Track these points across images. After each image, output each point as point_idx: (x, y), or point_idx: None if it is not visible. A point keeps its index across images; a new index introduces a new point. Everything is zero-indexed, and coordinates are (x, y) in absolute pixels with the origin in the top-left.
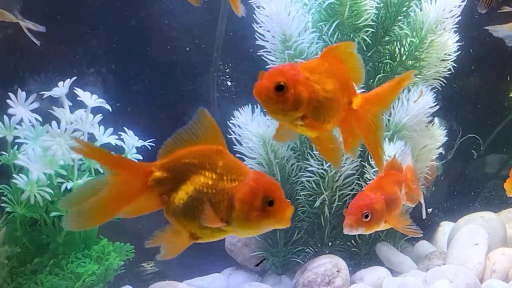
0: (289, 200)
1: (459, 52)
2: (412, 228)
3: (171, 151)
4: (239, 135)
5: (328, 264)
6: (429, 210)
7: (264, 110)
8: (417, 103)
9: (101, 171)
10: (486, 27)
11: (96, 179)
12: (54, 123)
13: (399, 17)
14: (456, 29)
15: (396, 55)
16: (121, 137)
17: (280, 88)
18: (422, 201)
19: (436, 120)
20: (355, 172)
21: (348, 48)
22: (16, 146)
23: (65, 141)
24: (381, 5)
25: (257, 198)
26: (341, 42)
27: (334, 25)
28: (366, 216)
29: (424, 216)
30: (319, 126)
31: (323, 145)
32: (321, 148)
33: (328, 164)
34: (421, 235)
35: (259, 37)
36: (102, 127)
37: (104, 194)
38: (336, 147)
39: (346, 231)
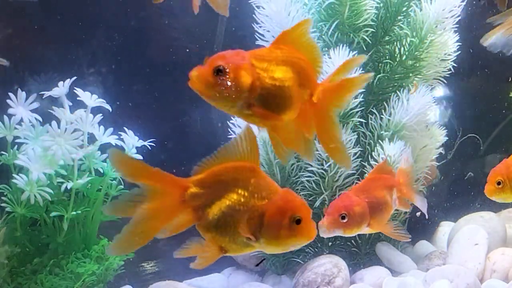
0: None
1: (459, 52)
2: (399, 232)
3: (207, 167)
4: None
5: (328, 264)
6: (418, 213)
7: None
8: (417, 103)
9: (101, 171)
10: (481, 42)
11: (133, 192)
12: (54, 123)
13: (399, 17)
14: (456, 29)
15: (396, 55)
16: (121, 137)
17: (219, 72)
18: (419, 204)
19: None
20: (355, 172)
21: (301, 31)
22: (16, 146)
23: (65, 141)
24: (381, 5)
25: (285, 217)
26: (294, 25)
27: (334, 25)
28: (343, 217)
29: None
30: (270, 116)
31: (285, 138)
32: (284, 140)
33: (328, 164)
34: (409, 239)
35: (259, 37)
36: (102, 127)
37: (143, 213)
38: (307, 138)
39: (321, 231)
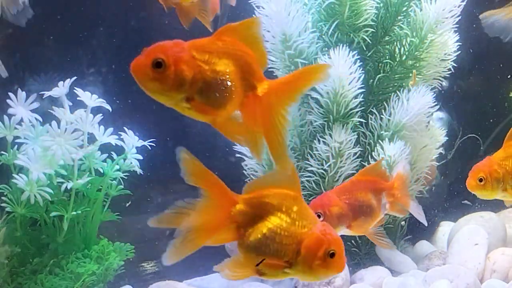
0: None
1: (459, 52)
2: (382, 240)
3: (255, 189)
4: None
5: None
6: (403, 223)
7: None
8: (417, 103)
9: (102, 171)
10: (481, 19)
11: (179, 204)
12: (54, 123)
13: (399, 17)
14: (456, 29)
15: (396, 55)
16: (121, 137)
17: (158, 65)
18: (414, 211)
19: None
20: (355, 172)
21: (247, 25)
22: (16, 146)
23: (65, 141)
24: (381, 5)
25: (321, 249)
26: (242, 21)
27: (334, 25)
28: (319, 216)
29: (425, 223)
30: (209, 110)
31: (228, 132)
32: (227, 134)
33: (328, 164)
34: (391, 248)
35: None
36: (102, 127)
37: (192, 225)
38: (255, 134)
39: None
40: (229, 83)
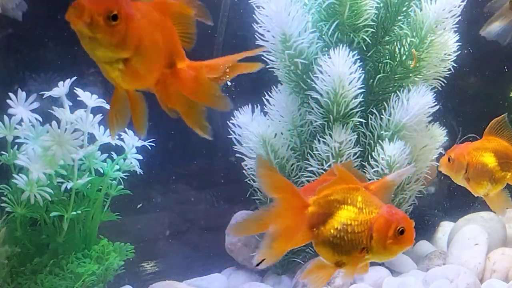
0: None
1: (459, 52)
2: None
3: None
4: (239, 135)
5: None
6: None
7: (263, 110)
8: (417, 103)
9: (101, 171)
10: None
11: (257, 213)
12: (54, 123)
13: (399, 17)
14: (456, 29)
15: (396, 55)
16: (121, 137)
17: (113, 17)
18: None
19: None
20: None
21: (180, 7)
22: (16, 146)
23: (65, 141)
24: (381, 5)
25: (391, 228)
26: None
27: (334, 25)
28: None
29: None
30: (138, 76)
31: (165, 99)
32: (166, 101)
33: (328, 164)
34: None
35: (259, 37)
36: (102, 127)
37: (275, 231)
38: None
39: None
40: (160, 54)
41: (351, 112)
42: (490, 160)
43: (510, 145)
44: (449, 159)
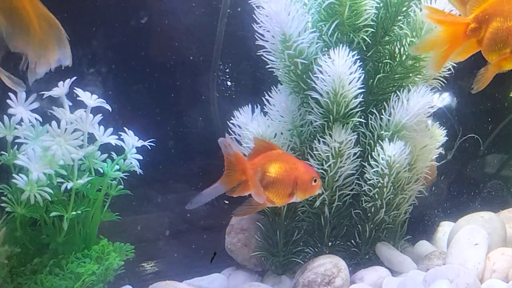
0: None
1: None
2: None
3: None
4: (239, 135)
5: (328, 264)
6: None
7: (263, 110)
8: (417, 103)
9: (101, 171)
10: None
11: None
12: (54, 123)
13: (399, 17)
14: None
15: (396, 55)
16: (121, 137)
17: None
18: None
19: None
20: (355, 172)
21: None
22: (16, 146)
23: (65, 141)
24: (381, 5)
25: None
26: None
27: (334, 25)
28: None
29: None
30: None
31: None
32: None
33: (328, 164)
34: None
35: (259, 37)
36: (102, 127)
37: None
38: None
39: None
40: None
41: (351, 112)
42: None
43: None
44: None
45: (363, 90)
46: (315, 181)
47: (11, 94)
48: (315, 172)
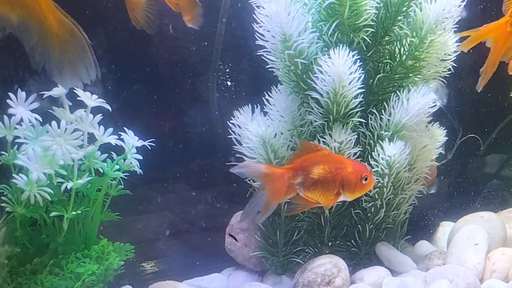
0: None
1: (459, 52)
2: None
3: None
4: (239, 135)
5: (328, 264)
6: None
7: (263, 110)
8: (417, 103)
9: (101, 171)
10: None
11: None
12: (54, 123)
13: (399, 17)
14: (456, 29)
15: (396, 55)
16: (121, 137)
17: None
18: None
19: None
20: None
21: None
22: (16, 146)
23: (65, 141)
24: (381, 5)
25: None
26: None
27: (334, 25)
28: None
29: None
30: None
31: None
32: None
33: None
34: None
35: (259, 37)
36: (102, 127)
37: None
38: None
39: None
40: None
41: (351, 112)
42: None
43: None
44: None
45: (363, 90)
46: (365, 179)
47: (11, 94)
48: (365, 171)
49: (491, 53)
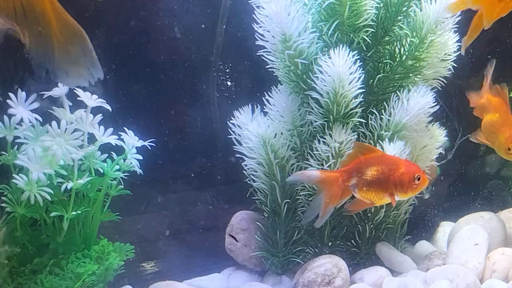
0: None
1: (459, 52)
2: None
3: None
4: (239, 135)
5: (328, 264)
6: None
7: (263, 110)
8: (417, 103)
9: (101, 171)
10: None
11: None
12: (54, 123)
13: (399, 17)
14: (456, 29)
15: (396, 55)
16: (121, 137)
17: None
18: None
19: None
20: None
21: None
22: (16, 146)
23: (65, 141)
24: (381, 5)
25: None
26: None
27: (334, 25)
28: None
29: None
30: None
31: None
32: None
33: (328, 164)
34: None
35: (259, 37)
36: (102, 127)
37: None
38: None
39: None
40: None
41: (351, 112)
42: None
43: None
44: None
45: (363, 90)
46: (418, 179)
47: (11, 94)
48: (418, 171)
49: (477, 16)
